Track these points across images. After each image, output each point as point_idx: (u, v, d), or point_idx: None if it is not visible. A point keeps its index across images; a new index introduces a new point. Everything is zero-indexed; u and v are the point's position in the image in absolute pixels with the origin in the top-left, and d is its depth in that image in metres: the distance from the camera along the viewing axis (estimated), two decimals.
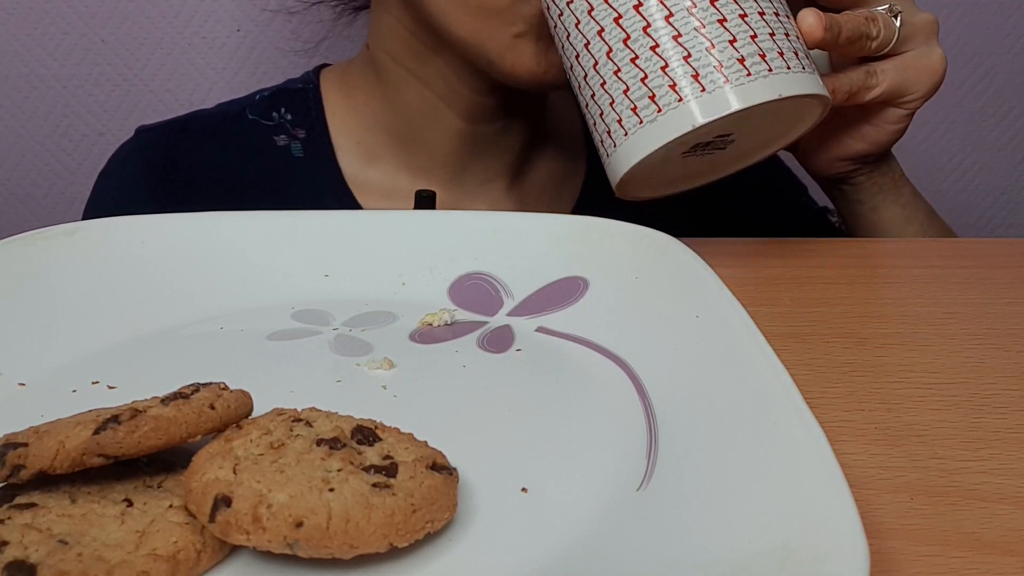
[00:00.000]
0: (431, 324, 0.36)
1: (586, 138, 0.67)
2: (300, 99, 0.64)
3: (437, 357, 0.34)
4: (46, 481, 0.23)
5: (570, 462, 0.27)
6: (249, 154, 0.62)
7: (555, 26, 0.43)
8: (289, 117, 0.63)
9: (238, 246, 0.40)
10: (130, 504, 0.23)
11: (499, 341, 0.35)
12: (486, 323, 0.37)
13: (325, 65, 0.67)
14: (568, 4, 0.42)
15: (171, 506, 0.23)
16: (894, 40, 0.46)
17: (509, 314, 0.37)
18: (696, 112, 0.39)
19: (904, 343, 0.37)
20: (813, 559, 0.20)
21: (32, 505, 0.22)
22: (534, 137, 0.64)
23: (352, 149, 0.62)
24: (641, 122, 0.40)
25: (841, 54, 0.48)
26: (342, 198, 0.61)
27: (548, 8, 0.43)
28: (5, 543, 0.21)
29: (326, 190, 0.61)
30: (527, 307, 0.37)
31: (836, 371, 0.35)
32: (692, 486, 0.25)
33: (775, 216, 0.69)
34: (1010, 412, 0.32)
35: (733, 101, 0.38)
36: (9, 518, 0.22)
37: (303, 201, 0.60)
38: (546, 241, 0.40)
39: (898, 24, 0.46)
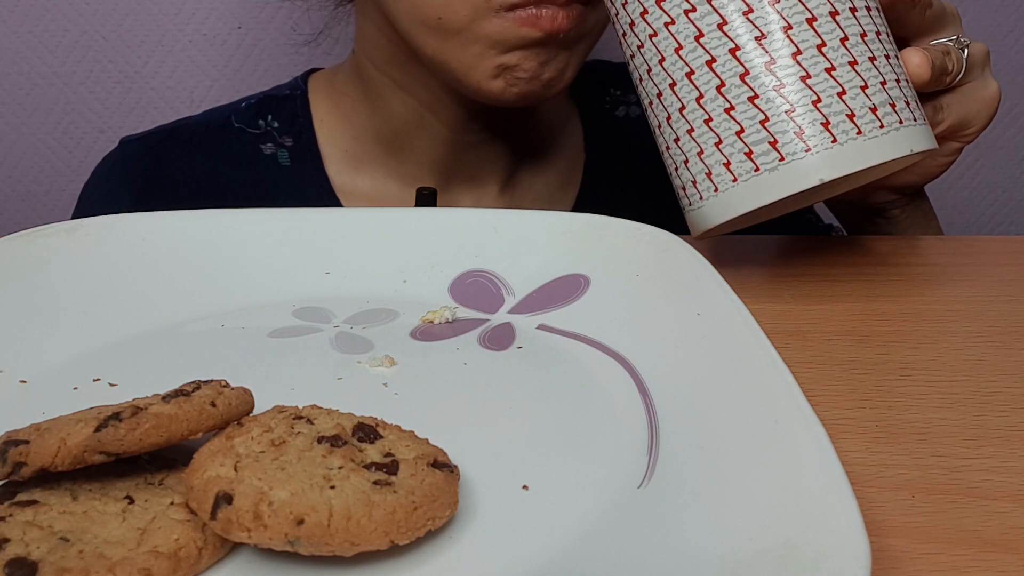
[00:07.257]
0: (432, 321, 0.36)
1: (586, 147, 0.66)
2: (287, 106, 0.63)
3: (438, 355, 0.34)
4: (47, 478, 0.23)
5: (571, 459, 0.27)
6: (235, 163, 0.61)
7: (632, 56, 0.39)
8: (276, 125, 0.62)
9: (239, 244, 0.40)
10: (131, 501, 0.23)
11: (500, 339, 0.35)
12: (487, 321, 0.37)
13: (315, 70, 0.66)
14: (651, 37, 0.37)
15: (172, 503, 0.23)
16: (960, 74, 0.44)
17: (510, 312, 0.37)
18: (824, 165, 0.35)
19: (905, 341, 0.37)
20: (814, 557, 0.20)
21: (33, 502, 0.22)
22: (525, 145, 0.62)
23: (339, 157, 0.61)
24: (757, 170, 0.36)
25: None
26: (329, 207, 0.60)
27: (624, 36, 0.39)
28: (6, 540, 0.21)
29: (313, 199, 0.60)
30: (528, 305, 0.37)
31: (837, 369, 0.35)
32: (693, 484, 0.25)
33: (777, 228, 0.69)
34: (1011, 410, 0.32)
35: (866, 156, 0.36)
36: (10, 515, 0.22)
37: None
38: (547, 239, 0.40)
39: (965, 56, 0.45)
